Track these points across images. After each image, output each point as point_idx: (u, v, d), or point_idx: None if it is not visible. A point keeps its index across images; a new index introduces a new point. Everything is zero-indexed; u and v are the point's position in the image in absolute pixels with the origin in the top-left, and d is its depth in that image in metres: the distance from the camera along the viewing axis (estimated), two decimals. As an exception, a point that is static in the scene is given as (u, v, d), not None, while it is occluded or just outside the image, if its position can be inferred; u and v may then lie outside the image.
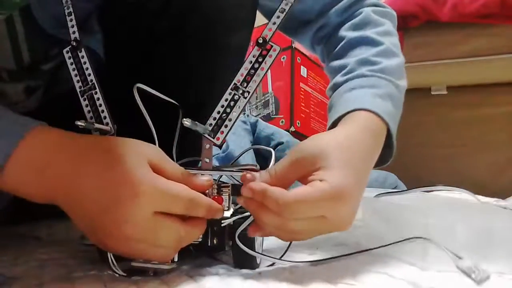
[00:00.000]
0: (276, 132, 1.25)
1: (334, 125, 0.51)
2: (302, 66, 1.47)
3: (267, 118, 1.43)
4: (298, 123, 1.39)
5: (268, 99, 1.46)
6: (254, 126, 1.28)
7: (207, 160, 0.45)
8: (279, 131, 1.26)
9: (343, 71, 0.56)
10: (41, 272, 0.46)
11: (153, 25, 0.62)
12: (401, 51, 0.59)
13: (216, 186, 0.44)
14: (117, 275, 0.43)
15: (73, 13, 0.49)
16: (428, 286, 0.43)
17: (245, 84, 0.44)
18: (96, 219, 0.38)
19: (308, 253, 0.54)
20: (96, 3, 0.58)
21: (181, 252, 0.43)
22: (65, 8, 0.49)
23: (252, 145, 1.23)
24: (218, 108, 0.44)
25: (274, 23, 0.44)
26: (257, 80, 0.44)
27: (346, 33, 0.60)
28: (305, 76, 1.48)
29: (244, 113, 1.48)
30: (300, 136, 1.33)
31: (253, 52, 0.44)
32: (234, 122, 0.44)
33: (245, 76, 0.44)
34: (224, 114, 0.44)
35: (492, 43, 1.25)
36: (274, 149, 1.13)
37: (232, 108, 0.44)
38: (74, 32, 0.49)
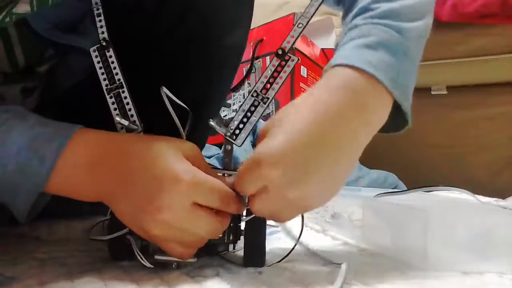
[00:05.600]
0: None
1: None
2: (302, 66, 1.47)
3: (267, 118, 1.43)
4: (298, 123, 1.38)
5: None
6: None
7: (228, 160, 0.48)
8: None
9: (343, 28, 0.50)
10: (41, 272, 0.46)
11: (149, 25, 0.63)
12: None
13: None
14: (145, 266, 0.45)
15: (102, 14, 0.50)
16: (428, 286, 0.43)
17: (265, 91, 0.47)
18: (142, 210, 0.41)
19: (310, 254, 0.54)
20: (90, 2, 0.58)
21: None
22: (95, 9, 0.50)
23: (252, 145, 1.23)
24: (240, 112, 0.47)
25: (293, 36, 0.47)
26: (276, 87, 0.47)
27: None
28: (305, 76, 1.48)
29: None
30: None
31: (272, 61, 0.47)
32: (253, 126, 0.47)
33: (265, 84, 0.47)
34: (245, 118, 0.47)
35: (492, 43, 1.24)
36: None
37: (252, 113, 0.47)
38: (103, 32, 0.50)
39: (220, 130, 0.47)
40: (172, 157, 0.42)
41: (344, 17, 0.52)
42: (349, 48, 0.44)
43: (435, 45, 1.31)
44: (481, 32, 1.25)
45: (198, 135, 0.54)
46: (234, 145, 0.47)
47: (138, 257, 0.45)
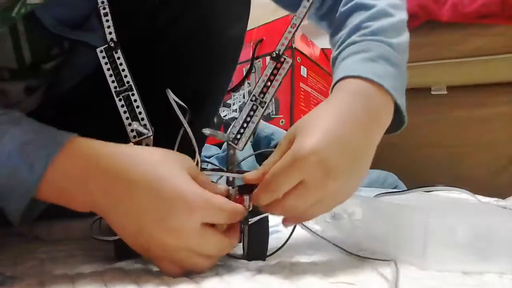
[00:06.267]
0: (276, 132, 1.25)
1: None
2: (302, 66, 1.47)
3: (267, 118, 1.43)
4: (298, 123, 1.38)
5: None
6: (254, 126, 1.28)
7: (232, 165, 0.49)
8: (279, 131, 1.26)
9: (337, 44, 0.55)
10: (41, 271, 0.46)
11: (151, 21, 0.63)
12: (404, 8, 0.57)
13: (237, 188, 0.48)
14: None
15: (109, 14, 0.49)
16: (428, 286, 0.43)
17: (262, 95, 0.48)
18: (147, 228, 0.41)
19: (309, 254, 0.54)
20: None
21: None
22: (101, 8, 0.49)
23: (252, 144, 1.24)
24: (240, 117, 0.49)
25: (286, 38, 0.49)
26: (272, 91, 0.49)
27: (342, 5, 0.58)
28: (305, 76, 1.48)
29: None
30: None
31: (268, 65, 0.49)
32: (253, 130, 0.49)
33: (262, 88, 0.49)
34: (245, 123, 0.48)
35: (492, 43, 1.24)
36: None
37: (251, 117, 0.48)
38: (110, 33, 0.49)
39: (222, 136, 0.48)
40: (180, 177, 0.42)
41: (333, 35, 0.58)
42: (355, 62, 0.50)
43: (435, 45, 1.31)
44: (481, 32, 1.25)
45: (199, 132, 0.54)
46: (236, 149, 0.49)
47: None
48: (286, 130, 1.46)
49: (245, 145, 0.49)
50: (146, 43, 0.64)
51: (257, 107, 0.48)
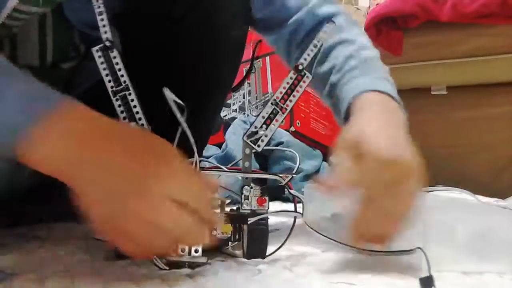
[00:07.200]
0: (276, 132, 1.25)
1: (347, 115, 0.56)
2: (302, 66, 1.47)
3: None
4: (298, 123, 1.39)
5: (268, 99, 1.46)
6: (254, 125, 1.28)
7: (247, 164, 0.51)
8: (279, 131, 1.26)
9: (334, 70, 0.61)
10: (41, 269, 0.46)
11: (155, 25, 0.64)
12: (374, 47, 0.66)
13: (260, 189, 0.50)
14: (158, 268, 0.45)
15: (104, 13, 0.48)
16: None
17: (283, 101, 0.51)
18: (129, 186, 0.38)
19: (309, 253, 0.54)
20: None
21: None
22: (96, 7, 0.48)
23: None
24: (260, 118, 0.51)
25: (308, 55, 0.52)
26: (293, 100, 0.51)
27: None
28: (305, 76, 1.48)
29: (243, 113, 1.48)
30: (300, 136, 1.33)
31: (290, 74, 0.52)
32: (273, 133, 0.52)
33: (283, 95, 0.51)
34: (264, 125, 0.51)
35: (492, 43, 1.24)
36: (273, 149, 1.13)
37: (272, 120, 0.51)
38: (106, 32, 0.48)
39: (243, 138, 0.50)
40: (174, 152, 0.42)
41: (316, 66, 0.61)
42: (368, 80, 0.57)
43: (435, 45, 1.31)
44: (481, 32, 1.25)
45: (204, 126, 0.55)
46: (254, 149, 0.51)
47: (153, 259, 0.45)
48: (286, 130, 1.45)
49: (263, 147, 0.52)
50: (152, 40, 0.64)
51: (278, 111, 0.51)
